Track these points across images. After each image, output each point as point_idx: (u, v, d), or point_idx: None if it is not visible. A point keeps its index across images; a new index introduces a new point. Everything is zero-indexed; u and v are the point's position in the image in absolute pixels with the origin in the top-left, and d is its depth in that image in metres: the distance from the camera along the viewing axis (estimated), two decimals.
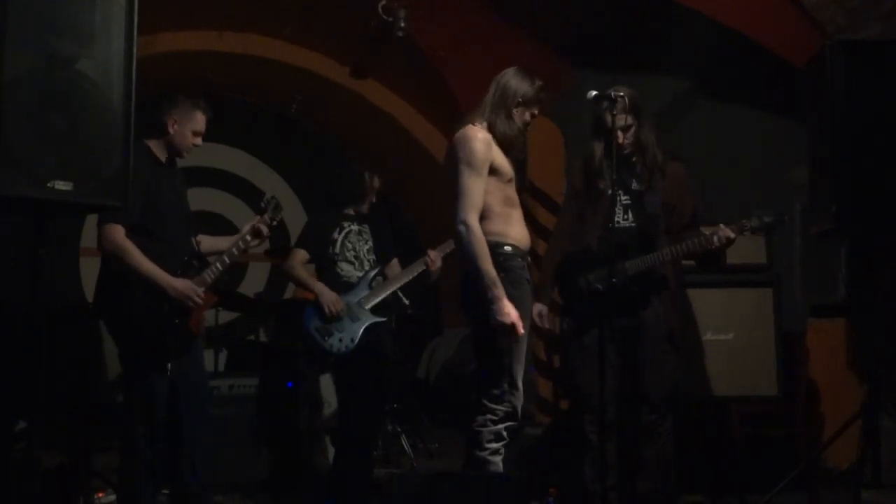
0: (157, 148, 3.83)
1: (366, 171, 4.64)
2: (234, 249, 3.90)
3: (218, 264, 3.85)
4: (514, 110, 3.45)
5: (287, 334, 5.81)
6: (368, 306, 4.44)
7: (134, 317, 3.66)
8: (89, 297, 7.75)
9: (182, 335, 3.73)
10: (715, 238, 3.83)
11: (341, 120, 8.17)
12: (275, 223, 4.05)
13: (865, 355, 4.26)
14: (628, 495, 3.94)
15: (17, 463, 4.18)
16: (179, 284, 3.68)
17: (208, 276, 3.81)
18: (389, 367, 4.62)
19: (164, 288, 3.65)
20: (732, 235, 3.82)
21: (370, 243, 4.59)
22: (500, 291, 3.27)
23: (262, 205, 4.05)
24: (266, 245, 6.45)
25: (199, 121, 3.85)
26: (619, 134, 3.87)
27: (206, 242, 4.04)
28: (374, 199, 4.66)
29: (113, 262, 3.63)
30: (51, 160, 2.66)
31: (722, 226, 3.84)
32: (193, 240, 3.92)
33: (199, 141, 3.87)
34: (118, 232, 3.61)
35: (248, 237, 3.94)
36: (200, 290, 3.73)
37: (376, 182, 4.65)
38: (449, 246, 4.39)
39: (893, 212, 3.66)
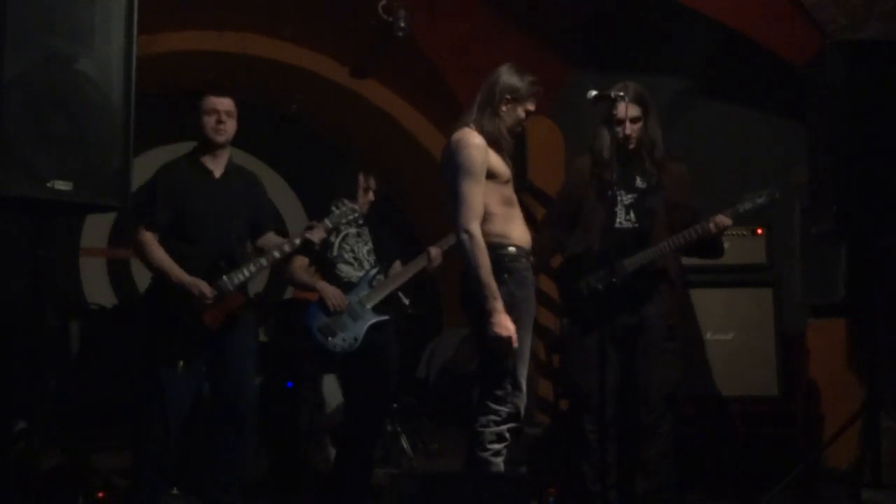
0: (203, 154, 3.94)
1: (359, 172, 4.64)
2: (275, 253, 3.90)
3: (251, 266, 3.87)
4: (503, 107, 3.41)
5: (287, 334, 5.81)
6: (370, 305, 4.44)
7: (145, 315, 3.80)
8: (89, 297, 7.81)
9: (194, 333, 3.76)
10: (711, 225, 3.83)
11: (341, 120, 8.17)
12: (346, 226, 4.19)
13: (865, 355, 4.25)
14: (628, 495, 3.94)
15: (17, 463, 4.19)
16: (186, 277, 3.76)
17: (236, 277, 3.83)
18: (394, 367, 4.61)
19: (172, 279, 3.76)
20: (729, 222, 3.82)
21: (370, 244, 4.58)
22: (499, 304, 3.24)
23: (333, 208, 4.08)
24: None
25: (206, 101, 3.90)
26: (627, 125, 3.85)
27: (263, 242, 4.06)
28: (371, 198, 4.63)
29: (141, 261, 3.88)
30: (51, 160, 2.66)
31: (719, 215, 3.84)
32: (236, 244, 3.94)
33: (220, 118, 3.89)
34: (142, 232, 3.82)
35: (298, 241, 3.92)
36: (209, 289, 3.75)
37: (371, 182, 4.63)
38: (449, 241, 4.38)
39: (893, 212, 3.66)
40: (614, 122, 3.73)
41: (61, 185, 2.68)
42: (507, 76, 3.44)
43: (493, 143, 3.39)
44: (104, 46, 2.82)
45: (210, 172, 3.93)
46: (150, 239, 3.81)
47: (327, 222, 4.00)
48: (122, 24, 2.87)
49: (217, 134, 3.90)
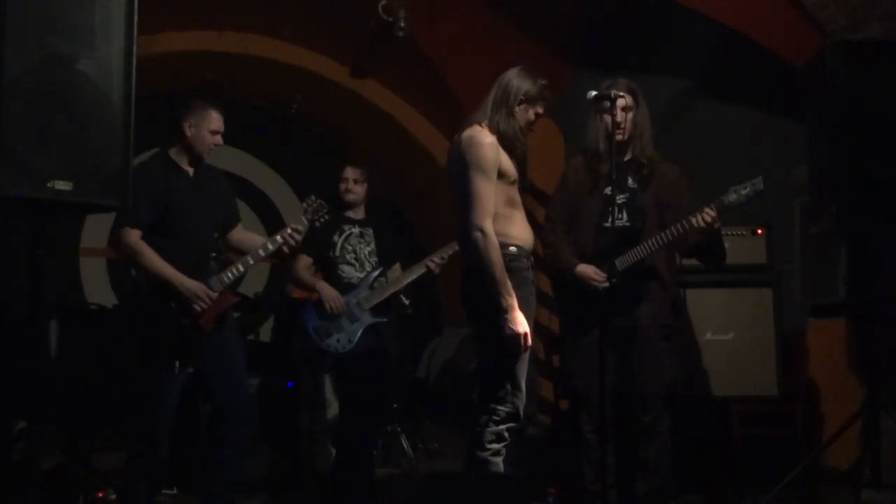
0: (177, 154, 3.92)
1: (346, 164, 4.65)
2: (260, 251, 3.92)
3: (240, 265, 3.90)
4: (517, 108, 3.42)
5: (287, 334, 5.81)
6: (368, 307, 4.44)
7: (140, 316, 3.77)
8: (89, 297, 7.80)
9: (191, 335, 3.76)
10: (694, 220, 3.80)
11: (341, 120, 8.17)
12: (318, 223, 4.15)
13: (865, 355, 4.26)
14: (627, 495, 3.95)
15: (17, 463, 4.19)
16: (191, 284, 3.75)
17: (226, 276, 3.86)
18: (391, 368, 4.60)
19: (175, 286, 3.73)
20: (713, 213, 3.79)
21: (372, 245, 4.59)
22: (513, 301, 3.25)
23: (304, 206, 4.10)
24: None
25: (214, 119, 3.91)
26: (619, 113, 3.85)
27: (238, 237, 4.08)
28: (351, 188, 4.59)
29: (128, 263, 3.79)
30: (51, 160, 2.66)
31: (703, 207, 3.81)
32: (218, 240, 3.96)
33: (218, 139, 3.93)
34: (132, 234, 3.75)
35: (280, 238, 3.94)
36: (213, 293, 3.77)
37: (347, 171, 4.62)
38: (450, 248, 4.39)
39: (893, 212, 3.66)
40: (607, 114, 3.76)
41: (61, 185, 2.68)
42: (520, 79, 3.44)
43: (508, 143, 3.40)
44: (104, 46, 2.81)
45: (186, 172, 3.94)
46: (138, 239, 3.75)
47: (303, 219, 4.03)
48: (122, 24, 2.86)
49: (210, 152, 3.94)
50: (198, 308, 3.75)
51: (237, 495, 3.94)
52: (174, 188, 3.85)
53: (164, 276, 3.73)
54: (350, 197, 4.61)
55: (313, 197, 4.14)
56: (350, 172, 4.63)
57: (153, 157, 4.01)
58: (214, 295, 3.78)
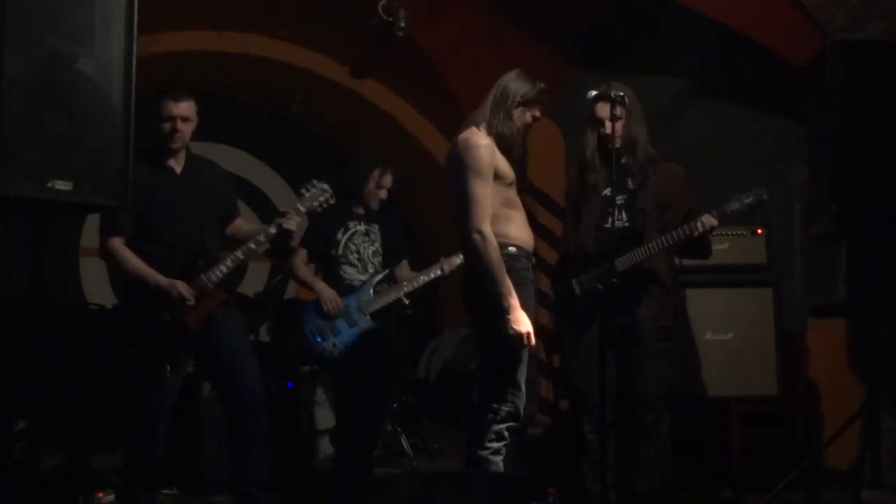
0: (160, 151, 3.84)
1: (375, 166, 4.49)
2: (251, 244, 3.86)
3: (229, 261, 3.82)
4: (515, 111, 3.43)
5: (287, 334, 5.81)
6: (369, 311, 4.36)
7: (128, 318, 3.75)
8: (89, 297, 7.80)
9: (177, 334, 3.74)
10: (697, 225, 3.82)
11: (341, 120, 8.18)
12: (321, 209, 3.98)
13: (865, 355, 4.26)
14: (627, 495, 3.95)
15: (17, 463, 4.19)
16: (164, 280, 3.70)
17: (214, 274, 3.79)
18: (391, 368, 4.58)
19: (150, 283, 3.69)
20: (715, 222, 3.82)
21: (377, 245, 4.48)
22: (515, 301, 3.26)
23: (303, 191, 3.98)
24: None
25: (163, 107, 3.78)
26: (608, 124, 3.86)
27: (232, 229, 4.03)
28: (383, 196, 4.51)
29: (110, 268, 3.73)
30: (51, 160, 2.66)
31: (705, 215, 3.84)
32: (206, 237, 3.88)
33: (177, 125, 3.78)
34: (111, 240, 3.73)
35: (273, 230, 3.85)
36: (185, 289, 3.70)
37: (387, 180, 4.51)
38: (460, 257, 4.34)
39: (893, 212, 3.66)
40: (597, 121, 3.80)
41: (61, 185, 2.68)
42: (519, 81, 3.46)
43: (505, 144, 3.41)
44: (104, 46, 2.82)
45: (172, 170, 3.86)
46: (118, 245, 3.72)
47: (300, 207, 3.93)
48: (122, 24, 2.86)
49: (172, 141, 3.81)
50: (175, 295, 3.68)
51: (264, 493, 3.88)
52: (160, 190, 3.78)
53: (139, 275, 3.71)
54: (375, 205, 4.52)
55: (314, 181, 3.98)
56: (389, 181, 4.49)
57: (139, 157, 3.95)
58: (188, 291, 3.70)
